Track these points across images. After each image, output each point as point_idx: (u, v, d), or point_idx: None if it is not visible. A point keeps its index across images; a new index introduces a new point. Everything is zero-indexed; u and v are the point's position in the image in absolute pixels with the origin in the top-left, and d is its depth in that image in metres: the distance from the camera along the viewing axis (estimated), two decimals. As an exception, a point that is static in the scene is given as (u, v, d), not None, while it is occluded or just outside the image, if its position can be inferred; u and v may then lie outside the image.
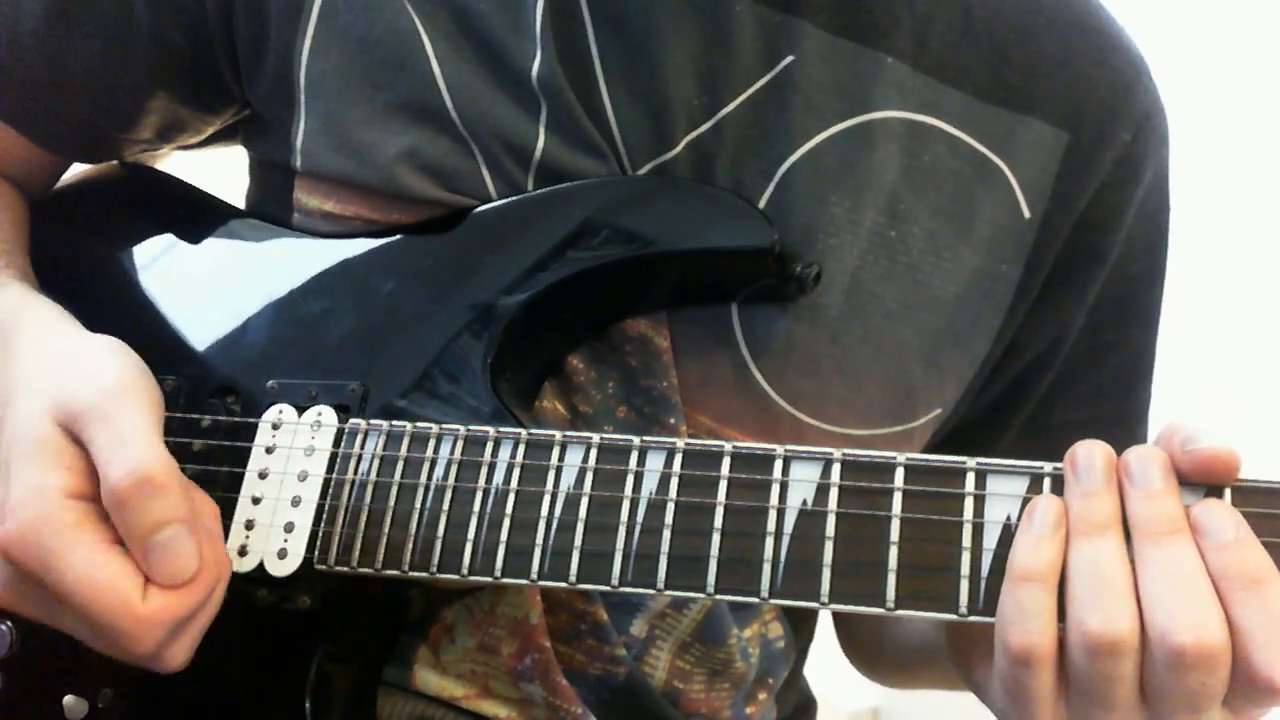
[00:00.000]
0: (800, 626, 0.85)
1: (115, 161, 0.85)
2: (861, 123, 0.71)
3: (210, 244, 0.78)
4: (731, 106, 0.70)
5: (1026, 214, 0.73)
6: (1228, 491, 0.53)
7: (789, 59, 0.70)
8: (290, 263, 0.74)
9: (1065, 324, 0.76)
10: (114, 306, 0.77)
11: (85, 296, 0.74)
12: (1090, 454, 0.53)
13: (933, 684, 0.84)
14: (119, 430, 0.56)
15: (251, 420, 0.69)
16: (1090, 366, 0.78)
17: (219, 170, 0.89)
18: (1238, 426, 1.51)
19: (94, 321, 0.67)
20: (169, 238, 0.79)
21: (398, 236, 0.73)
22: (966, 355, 0.74)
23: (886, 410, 0.73)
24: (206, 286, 0.76)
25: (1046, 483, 0.55)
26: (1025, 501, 0.55)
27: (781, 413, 0.71)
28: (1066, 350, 0.77)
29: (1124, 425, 0.80)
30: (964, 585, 0.55)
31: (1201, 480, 0.52)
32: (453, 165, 0.71)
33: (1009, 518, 0.55)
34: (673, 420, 0.71)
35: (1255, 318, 1.55)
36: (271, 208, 0.77)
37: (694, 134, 0.71)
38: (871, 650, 0.90)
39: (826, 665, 0.97)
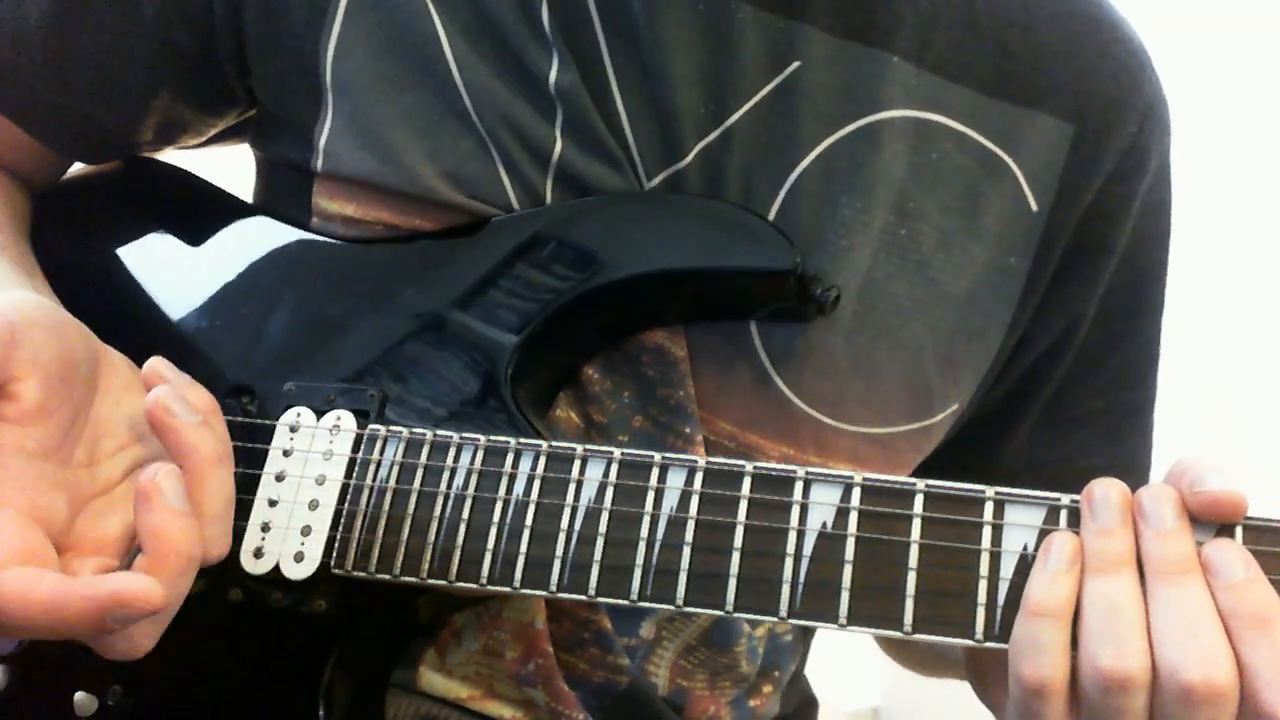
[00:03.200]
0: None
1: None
2: (869, 123, 0.73)
3: (227, 242, 0.79)
4: (738, 114, 0.73)
5: (1034, 207, 0.75)
6: (1239, 529, 0.55)
7: (795, 65, 0.72)
8: (309, 264, 0.76)
9: (1076, 314, 0.79)
10: (127, 304, 0.78)
11: (98, 295, 0.76)
12: (1106, 493, 0.56)
13: (961, 678, 0.87)
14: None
15: (269, 422, 0.71)
16: (1105, 357, 0.81)
17: (218, 170, 0.90)
18: (1237, 429, 1.54)
19: (107, 320, 0.68)
20: (183, 234, 0.80)
21: (418, 242, 0.74)
22: (980, 349, 0.76)
23: (904, 408, 0.75)
24: (222, 285, 0.77)
25: (1063, 515, 0.58)
26: (1042, 533, 0.57)
27: (803, 415, 0.73)
28: (1080, 341, 0.80)
29: (1141, 413, 0.83)
30: (980, 613, 0.57)
31: (1210, 520, 0.55)
32: (473, 170, 0.73)
33: (1026, 547, 0.58)
34: (689, 429, 0.73)
35: (1255, 319, 1.58)
36: (286, 210, 0.79)
37: (703, 143, 0.73)
38: (903, 644, 0.92)
39: (827, 665, 1.00)
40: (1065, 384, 0.82)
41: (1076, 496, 0.57)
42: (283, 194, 0.80)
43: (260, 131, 0.83)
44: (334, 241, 0.76)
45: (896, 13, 0.73)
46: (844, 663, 0.95)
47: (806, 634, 0.89)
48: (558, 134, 0.72)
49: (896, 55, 0.73)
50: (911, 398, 0.75)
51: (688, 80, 0.72)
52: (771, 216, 0.73)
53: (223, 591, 0.69)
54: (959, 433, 0.81)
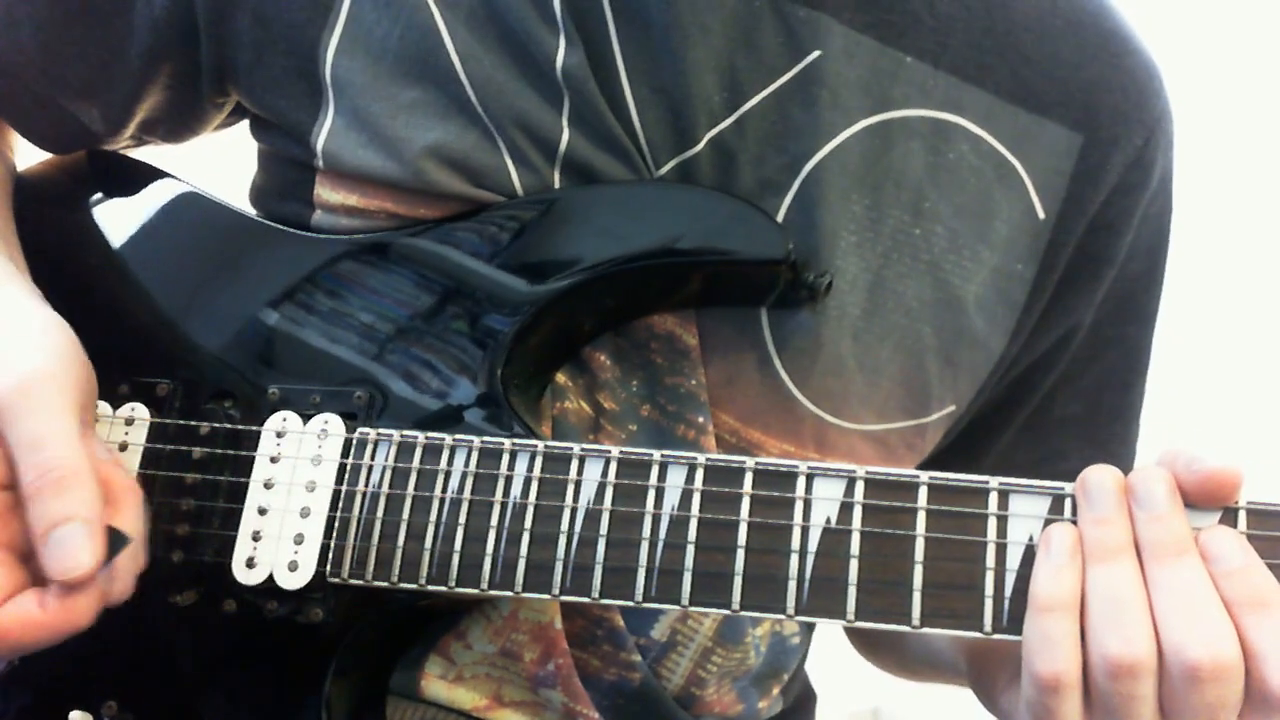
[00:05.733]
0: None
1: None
2: (884, 120, 0.73)
3: (204, 243, 0.78)
4: (754, 101, 0.72)
5: (1041, 214, 0.76)
6: (1242, 514, 0.56)
7: (815, 54, 0.72)
8: (289, 263, 0.75)
9: (1073, 324, 0.80)
10: (103, 308, 0.77)
11: (72, 297, 0.73)
12: (1101, 480, 0.57)
13: (932, 681, 0.89)
14: (30, 429, 0.58)
15: (254, 428, 0.70)
16: (1090, 363, 0.83)
17: (224, 157, 0.91)
18: (1239, 432, 1.54)
19: (83, 325, 0.67)
20: (158, 235, 0.79)
21: (401, 239, 0.73)
22: (982, 353, 0.77)
23: (900, 405, 0.76)
24: (200, 287, 0.76)
25: (1067, 504, 0.59)
26: (1047, 522, 0.58)
27: (806, 413, 0.74)
28: (1072, 350, 0.81)
29: (1121, 419, 0.84)
30: (988, 605, 0.58)
31: (1206, 499, 0.56)
32: (478, 160, 0.73)
33: (1031, 538, 0.59)
34: (700, 419, 0.73)
35: (1256, 323, 1.59)
36: (288, 203, 0.79)
37: (715, 130, 0.72)
38: (878, 644, 0.94)
39: (827, 665, 1.01)
40: (1051, 389, 0.83)
41: (1082, 486, 0.58)
42: (284, 187, 0.80)
43: (256, 126, 0.83)
44: (311, 236, 0.75)
45: (913, 14, 0.74)
46: (844, 663, 0.96)
47: (810, 631, 0.90)
48: (565, 123, 0.72)
49: (911, 56, 0.74)
50: (909, 395, 0.76)
51: (702, 67, 0.72)
52: (785, 206, 0.73)
53: (216, 603, 0.69)
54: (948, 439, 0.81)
